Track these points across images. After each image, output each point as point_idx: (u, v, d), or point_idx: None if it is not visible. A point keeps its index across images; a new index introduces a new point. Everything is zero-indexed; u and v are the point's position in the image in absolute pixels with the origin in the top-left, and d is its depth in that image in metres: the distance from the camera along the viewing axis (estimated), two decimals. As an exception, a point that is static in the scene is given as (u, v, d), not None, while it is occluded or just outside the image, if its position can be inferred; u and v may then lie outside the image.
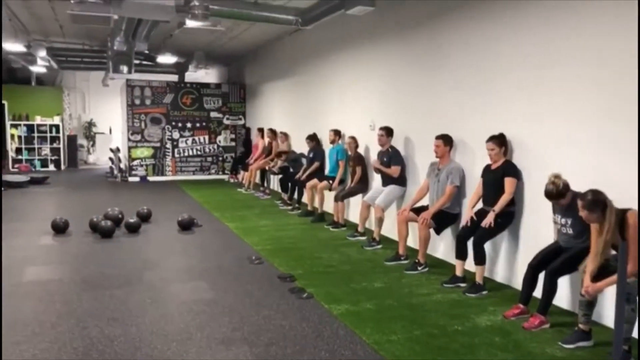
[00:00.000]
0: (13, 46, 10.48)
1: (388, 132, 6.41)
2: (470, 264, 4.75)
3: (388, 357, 3.31)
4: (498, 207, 4.52)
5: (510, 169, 4.60)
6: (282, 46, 10.91)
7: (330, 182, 7.83)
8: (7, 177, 11.67)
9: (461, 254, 4.79)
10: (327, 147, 8.35)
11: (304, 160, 9.12)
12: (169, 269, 5.35)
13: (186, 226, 7.08)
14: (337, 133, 7.93)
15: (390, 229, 6.37)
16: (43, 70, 13.41)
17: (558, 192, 3.75)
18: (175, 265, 5.50)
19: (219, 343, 3.50)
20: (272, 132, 10.91)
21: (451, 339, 3.63)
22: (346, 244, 6.46)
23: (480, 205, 4.84)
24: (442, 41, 5.71)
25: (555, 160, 4.21)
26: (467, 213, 4.87)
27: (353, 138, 7.34)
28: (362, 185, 7.18)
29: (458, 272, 4.82)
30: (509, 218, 4.63)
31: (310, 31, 7.68)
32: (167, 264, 5.49)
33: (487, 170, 4.80)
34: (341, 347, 3.46)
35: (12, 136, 14.95)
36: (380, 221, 6.26)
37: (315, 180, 8.15)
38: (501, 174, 4.60)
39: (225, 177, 13.32)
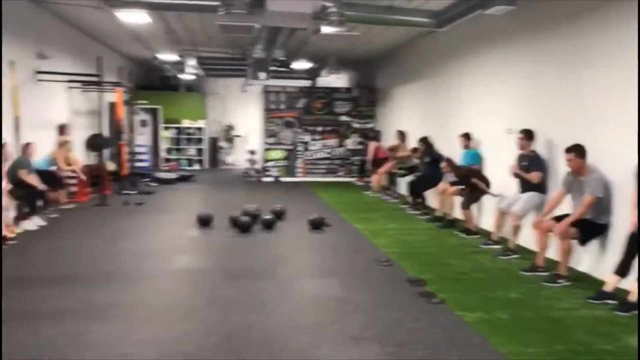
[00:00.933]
0: (168, 56, 11.64)
1: (528, 135, 6.08)
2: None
3: (526, 370, 3.16)
4: None
5: None
6: (414, 49, 10.84)
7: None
8: (159, 174, 12.98)
9: (623, 270, 4.33)
10: (458, 151, 8.10)
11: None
12: (302, 264, 5.58)
13: (316, 225, 7.32)
14: (468, 137, 7.70)
15: (527, 238, 6.03)
16: (191, 77, 14.69)
17: None
18: (307, 261, 5.73)
19: (350, 339, 3.57)
20: (401, 133, 10.86)
21: (598, 357, 3.35)
22: (478, 251, 6.23)
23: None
24: (588, 40, 5.29)
25: None
26: (632, 218, 4.41)
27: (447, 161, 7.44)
28: (479, 192, 7.02)
29: (608, 288, 4.41)
30: None
31: (443, 33, 7.53)
32: (299, 260, 5.74)
33: None
34: (474, 355, 3.36)
35: (164, 137, 16.56)
36: (516, 229, 5.95)
37: (446, 185, 7.98)
38: None
39: (353, 179, 13.52)
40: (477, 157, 7.52)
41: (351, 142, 13.96)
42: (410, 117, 11.29)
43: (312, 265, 5.59)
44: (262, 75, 11.68)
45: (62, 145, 8.61)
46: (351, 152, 13.96)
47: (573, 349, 3.48)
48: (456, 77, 8.69)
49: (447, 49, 8.98)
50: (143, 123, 15.67)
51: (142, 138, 15.20)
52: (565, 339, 3.63)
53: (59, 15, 9.14)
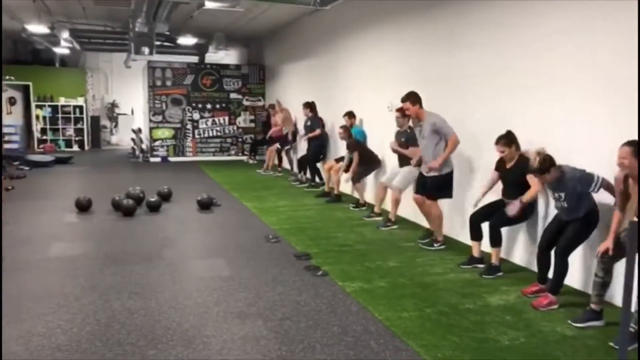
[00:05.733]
0: (37, 28, 10.67)
1: (404, 113, 6.37)
2: (486, 245, 4.76)
3: (399, 333, 3.38)
4: (527, 198, 4.30)
5: (528, 165, 4.49)
6: (301, 27, 10.89)
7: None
8: (32, 157, 11.96)
9: (476, 236, 4.79)
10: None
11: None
12: (188, 246, 5.49)
13: (205, 206, 7.21)
14: (352, 115, 7.93)
15: (406, 210, 6.40)
16: (66, 51, 13.62)
17: (539, 168, 3.83)
18: (194, 243, 5.64)
19: (235, 317, 3.60)
20: (278, 103, 11.19)
21: (462, 316, 3.68)
22: (362, 224, 6.52)
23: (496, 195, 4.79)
24: (470, 20, 5.55)
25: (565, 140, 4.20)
26: (478, 197, 4.84)
27: (344, 127, 7.76)
28: (367, 166, 7.42)
29: (475, 253, 4.82)
30: (532, 208, 4.56)
31: (328, 12, 7.65)
32: (186, 242, 5.63)
33: (502, 168, 4.66)
34: (353, 323, 3.54)
35: (37, 117, 15.26)
36: (396, 202, 6.28)
37: (332, 162, 8.20)
38: (520, 171, 4.40)
39: (245, 158, 13.43)
40: (361, 134, 7.78)
41: (242, 120, 13.81)
42: (297, 95, 11.37)
43: (199, 246, 5.52)
44: (146, 50, 11.10)
45: None
46: (243, 130, 13.82)
47: (441, 310, 3.78)
48: (340, 56, 8.89)
49: (333, 27, 9.13)
50: (12, 101, 14.32)
51: (11, 117, 13.90)
52: (434, 302, 3.94)
53: None
